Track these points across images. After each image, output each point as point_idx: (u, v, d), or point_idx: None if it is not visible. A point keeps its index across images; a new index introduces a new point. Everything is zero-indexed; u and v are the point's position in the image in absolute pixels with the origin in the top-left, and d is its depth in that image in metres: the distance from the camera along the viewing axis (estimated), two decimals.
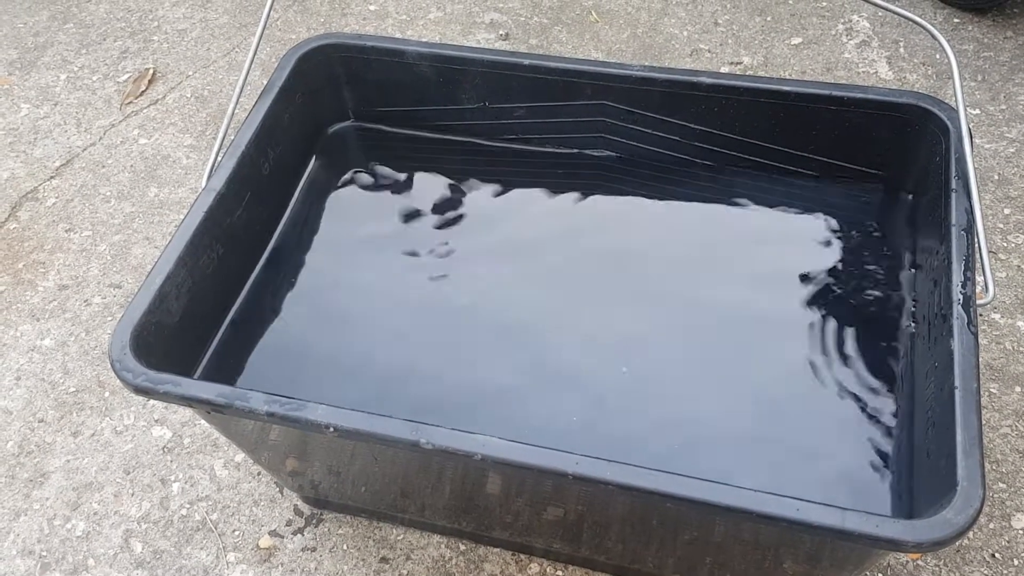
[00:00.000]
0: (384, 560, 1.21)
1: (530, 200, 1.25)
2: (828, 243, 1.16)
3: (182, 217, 1.15)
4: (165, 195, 1.72)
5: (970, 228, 0.95)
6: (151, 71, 2.00)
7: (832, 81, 1.82)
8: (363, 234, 1.22)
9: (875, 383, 1.02)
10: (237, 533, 1.25)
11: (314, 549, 1.23)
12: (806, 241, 1.16)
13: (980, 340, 1.35)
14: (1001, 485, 1.24)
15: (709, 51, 1.95)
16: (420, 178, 1.28)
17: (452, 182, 1.27)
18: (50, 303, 1.55)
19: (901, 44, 1.93)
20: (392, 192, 1.27)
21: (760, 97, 1.14)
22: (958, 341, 0.86)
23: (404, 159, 1.30)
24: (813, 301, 1.10)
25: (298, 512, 1.26)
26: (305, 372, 1.07)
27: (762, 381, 1.03)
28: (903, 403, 0.99)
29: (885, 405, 1.00)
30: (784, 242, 1.17)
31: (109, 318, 1.52)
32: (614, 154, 1.26)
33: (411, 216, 1.23)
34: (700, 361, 1.06)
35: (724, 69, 1.90)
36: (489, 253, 1.19)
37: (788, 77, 1.86)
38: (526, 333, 1.10)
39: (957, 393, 0.82)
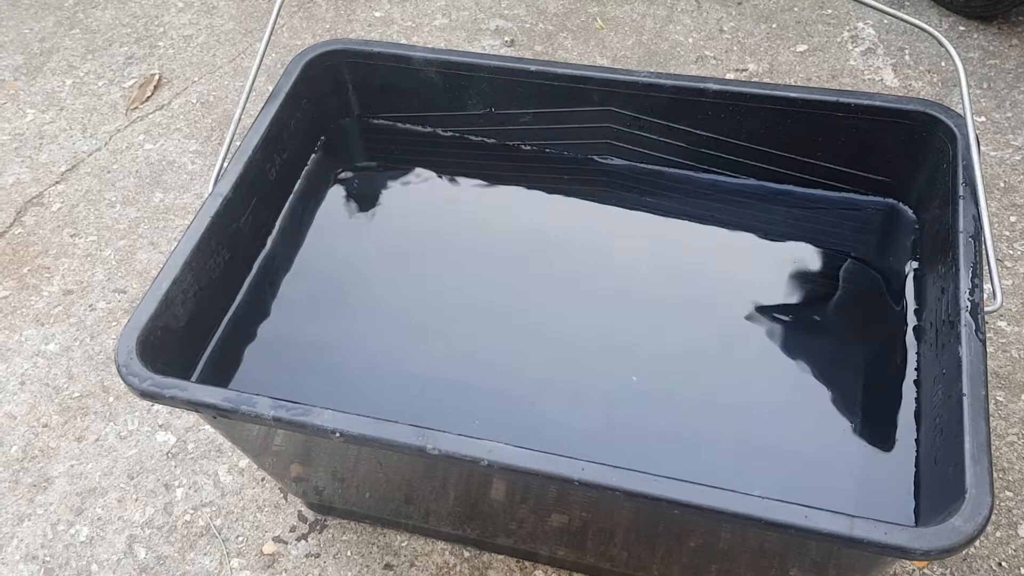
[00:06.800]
0: (388, 567, 1.21)
1: (535, 205, 1.25)
2: (832, 250, 1.15)
3: (187, 222, 1.15)
4: (170, 200, 1.72)
5: (978, 235, 0.94)
6: (157, 77, 2.00)
7: (838, 88, 1.83)
8: (364, 237, 1.22)
9: (881, 389, 1.01)
10: (241, 539, 1.25)
11: (318, 555, 1.22)
12: (809, 249, 1.16)
13: (987, 348, 1.35)
14: (1008, 493, 1.24)
15: (714, 58, 1.95)
16: (423, 182, 1.28)
17: (456, 187, 1.27)
18: (55, 308, 1.55)
19: (906, 52, 1.93)
20: (395, 195, 1.27)
21: (766, 104, 1.14)
22: (966, 348, 0.85)
23: (409, 164, 1.30)
24: (817, 309, 1.10)
25: (302, 518, 1.26)
26: (305, 375, 1.07)
27: (767, 389, 1.03)
28: (909, 410, 0.98)
29: (891, 412, 0.99)
30: (787, 250, 1.17)
31: (113, 323, 1.52)
32: (620, 160, 1.26)
33: (413, 220, 1.23)
34: (705, 370, 1.06)
35: (730, 76, 1.90)
36: (491, 257, 1.19)
37: (794, 84, 1.86)
38: (531, 337, 1.09)
39: (965, 400, 0.81)
